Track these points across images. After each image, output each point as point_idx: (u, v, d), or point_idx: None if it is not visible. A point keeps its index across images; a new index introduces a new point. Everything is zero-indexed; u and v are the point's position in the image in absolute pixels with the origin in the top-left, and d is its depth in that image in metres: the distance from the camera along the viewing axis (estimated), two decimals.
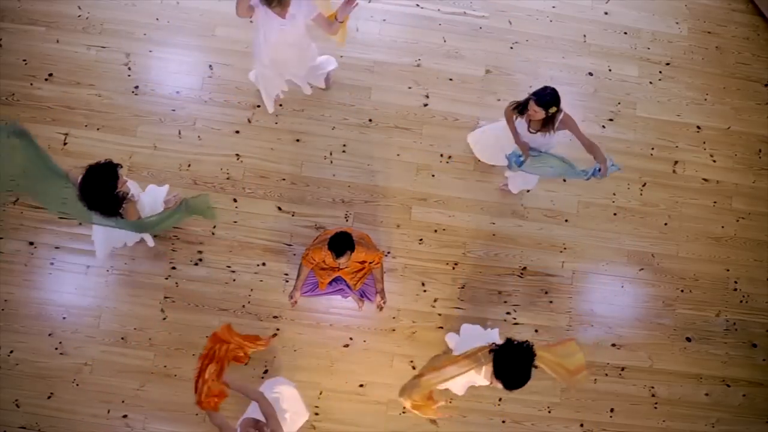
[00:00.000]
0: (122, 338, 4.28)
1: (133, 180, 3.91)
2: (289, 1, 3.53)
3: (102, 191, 3.23)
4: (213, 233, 4.45)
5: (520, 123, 3.88)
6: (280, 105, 4.66)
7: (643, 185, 4.87)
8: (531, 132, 3.85)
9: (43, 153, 3.40)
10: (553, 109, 3.64)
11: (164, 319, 4.32)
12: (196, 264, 4.41)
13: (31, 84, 4.53)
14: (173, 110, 4.57)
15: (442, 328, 4.49)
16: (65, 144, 4.45)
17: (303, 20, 3.72)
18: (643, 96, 5.01)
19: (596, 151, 3.78)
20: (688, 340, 4.71)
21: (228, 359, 3.42)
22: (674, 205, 4.87)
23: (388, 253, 4.53)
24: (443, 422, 4.39)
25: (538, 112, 3.67)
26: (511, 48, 4.97)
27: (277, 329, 4.38)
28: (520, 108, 3.79)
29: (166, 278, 4.37)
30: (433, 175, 4.69)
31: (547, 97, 3.60)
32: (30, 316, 4.26)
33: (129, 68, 4.63)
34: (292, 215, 4.54)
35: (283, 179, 4.58)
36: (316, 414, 4.31)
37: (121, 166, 3.34)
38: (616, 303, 4.68)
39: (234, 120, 4.61)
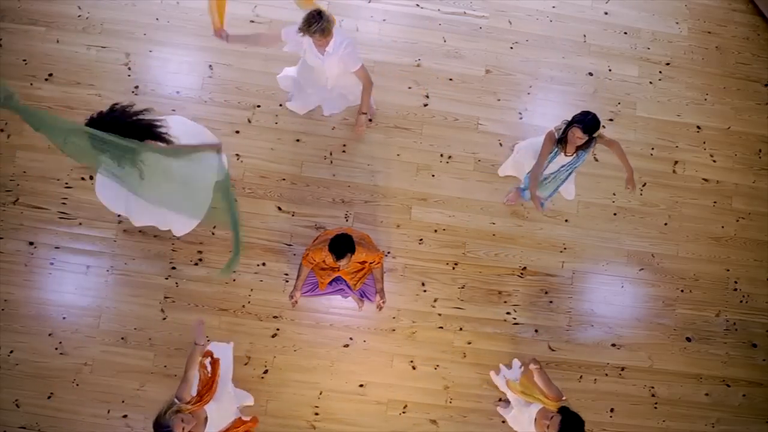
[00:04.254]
0: (122, 338, 4.28)
1: None
2: (331, 34, 3.54)
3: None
4: (213, 233, 4.45)
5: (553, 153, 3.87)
6: (280, 105, 4.66)
7: (643, 185, 4.87)
8: (566, 155, 3.84)
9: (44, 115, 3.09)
10: (597, 133, 3.67)
11: (164, 319, 4.32)
12: (196, 264, 4.41)
13: (31, 84, 4.53)
14: (173, 110, 4.57)
15: (442, 328, 4.49)
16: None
17: (338, 62, 3.74)
18: (643, 96, 5.01)
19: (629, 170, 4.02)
20: (688, 340, 4.71)
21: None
22: (674, 205, 4.87)
23: (388, 253, 4.53)
24: (443, 422, 4.40)
25: (582, 138, 3.66)
26: (511, 48, 4.97)
27: (277, 329, 4.38)
28: (561, 138, 3.75)
29: (166, 278, 4.37)
30: (433, 175, 4.69)
31: (591, 122, 3.61)
32: (30, 316, 4.26)
33: (129, 68, 4.63)
34: (292, 215, 4.54)
35: (283, 179, 4.58)
36: (316, 414, 4.31)
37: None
38: (616, 303, 4.68)
39: (234, 120, 4.61)
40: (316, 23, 3.45)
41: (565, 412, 3.25)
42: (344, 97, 4.30)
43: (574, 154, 3.81)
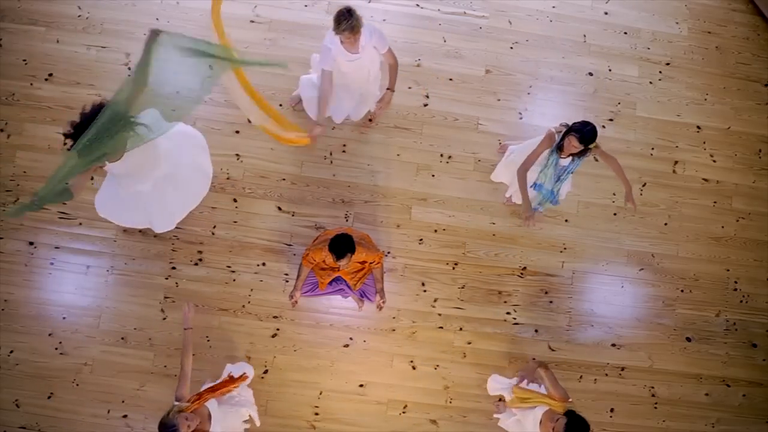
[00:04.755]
0: (122, 338, 4.28)
1: None
2: (360, 31, 3.55)
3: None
4: (213, 233, 4.45)
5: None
6: (280, 105, 4.66)
7: (643, 185, 4.87)
8: (561, 158, 3.84)
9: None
10: (593, 145, 3.68)
11: (164, 319, 4.32)
12: (196, 264, 4.41)
13: (31, 84, 4.53)
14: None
15: (442, 328, 4.49)
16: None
17: (371, 50, 3.77)
18: (643, 96, 5.01)
19: (627, 188, 3.96)
20: (688, 340, 4.71)
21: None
22: (674, 205, 4.87)
23: (388, 253, 4.53)
24: (443, 422, 4.40)
25: (576, 147, 3.67)
26: (511, 48, 4.97)
27: (277, 329, 4.38)
28: (559, 144, 3.75)
29: (166, 278, 4.37)
30: (433, 175, 4.69)
31: (589, 134, 3.61)
32: (30, 316, 4.26)
33: (129, 68, 4.63)
34: (292, 215, 4.54)
35: (283, 179, 4.58)
36: (316, 414, 4.31)
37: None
38: (616, 303, 4.68)
39: (234, 120, 4.61)
40: (346, 21, 3.48)
41: (571, 415, 3.25)
42: (366, 97, 4.26)
43: (570, 158, 3.81)
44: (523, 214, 3.92)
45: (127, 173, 3.46)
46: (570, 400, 3.44)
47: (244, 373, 3.70)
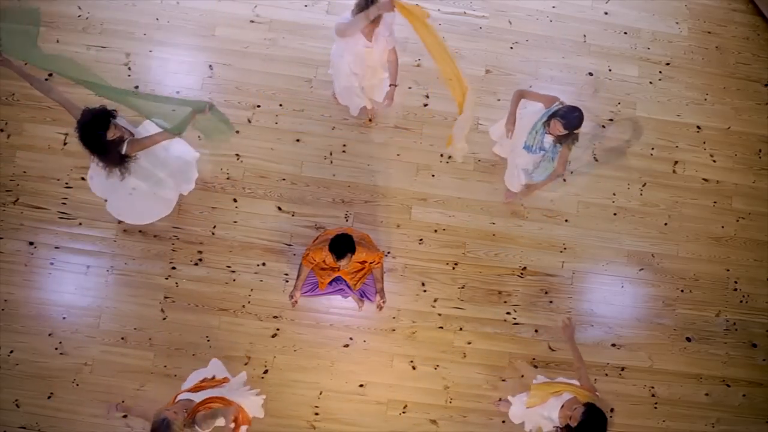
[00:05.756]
0: (122, 338, 4.28)
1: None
2: (380, 20, 3.61)
3: (93, 139, 3.32)
4: (213, 233, 4.45)
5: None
6: (280, 105, 4.66)
7: (643, 185, 4.87)
8: (546, 132, 3.85)
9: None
10: (576, 131, 3.69)
11: (164, 319, 4.32)
12: (196, 264, 4.41)
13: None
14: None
15: (442, 328, 4.49)
16: (65, 144, 4.45)
17: (384, 42, 3.81)
18: (643, 96, 5.01)
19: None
20: (688, 340, 4.71)
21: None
22: (674, 205, 4.87)
23: (388, 253, 4.53)
24: (443, 422, 4.40)
25: (560, 131, 3.69)
26: (511, 48, 4.97)
27: (277, 329, 4.38)
28: (547, 120, 3.77)
29: (166, 278, 4.37)
30: (433, 175, 4.69)
31: (574, 121, 3.64)
32: (30, 316, 4.26)
33: (129, 68, 4.63)
34: (292, 215, 4.54)
35: (283, 179, 4.58)
36: (316, 414, 4.31)
37: (114, 115, 3.38)
38: (616, 303, 4.68)
39: (234, 120, 4.59)
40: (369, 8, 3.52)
41: (590, 405, 3.27)
42: (372, 90, 4.26)
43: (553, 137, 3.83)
44: (504, 125, 4.01)
45: (150, 163, 3.69)
46: (597, 393, 3.46)
47: (225, 377, 3.68)
